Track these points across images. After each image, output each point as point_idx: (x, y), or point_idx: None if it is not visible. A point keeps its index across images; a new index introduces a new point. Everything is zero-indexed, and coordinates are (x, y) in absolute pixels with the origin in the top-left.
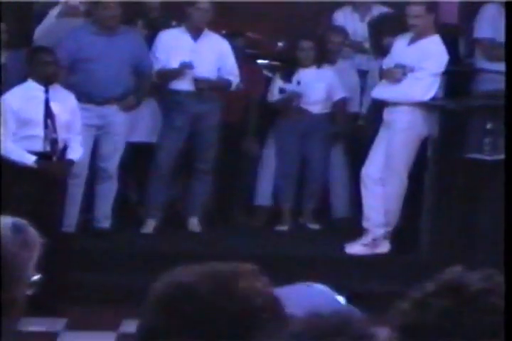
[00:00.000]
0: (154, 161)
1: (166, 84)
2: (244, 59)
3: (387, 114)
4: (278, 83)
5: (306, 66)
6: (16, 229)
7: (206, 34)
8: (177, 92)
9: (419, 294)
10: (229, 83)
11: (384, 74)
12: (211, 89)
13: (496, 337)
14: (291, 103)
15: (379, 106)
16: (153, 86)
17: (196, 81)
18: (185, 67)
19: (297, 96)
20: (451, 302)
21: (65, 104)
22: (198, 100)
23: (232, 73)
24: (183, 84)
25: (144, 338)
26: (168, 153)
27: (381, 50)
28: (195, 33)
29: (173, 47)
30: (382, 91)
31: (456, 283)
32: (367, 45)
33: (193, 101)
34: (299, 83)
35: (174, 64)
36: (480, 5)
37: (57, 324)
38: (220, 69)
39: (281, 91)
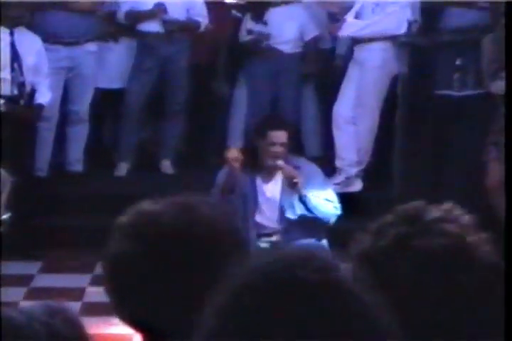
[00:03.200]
0: (124, 104)
1: (134, 26)
2: None
3: (359, 52)
4: (248, 23)
5: (275, 4)
6: None
7: None
8: (146, 34)
9: (375, 225)
10: (198, 24)
11: None
12: (180, 30)
13: (446, 260)
14: (260, 44)
15: (349, 44)
16: (121, 27)
17: (165, 22)
18: (159, 9)
19: (265, 37)
20: (405, 229)
21: (30, 46)
22: (167, 42)
23: (201, 14)
24: (152, 26)
25: (110, 265)
26: (138, 96)
27: None
28: None
29: None
30: (354, 27)
31: (413, 213)
32: None
33: (162, 43)
34: (265, 24)
35: (144, 5)
36: None
37: (31, 267)
38: (189, 10)
39: (249, 32)
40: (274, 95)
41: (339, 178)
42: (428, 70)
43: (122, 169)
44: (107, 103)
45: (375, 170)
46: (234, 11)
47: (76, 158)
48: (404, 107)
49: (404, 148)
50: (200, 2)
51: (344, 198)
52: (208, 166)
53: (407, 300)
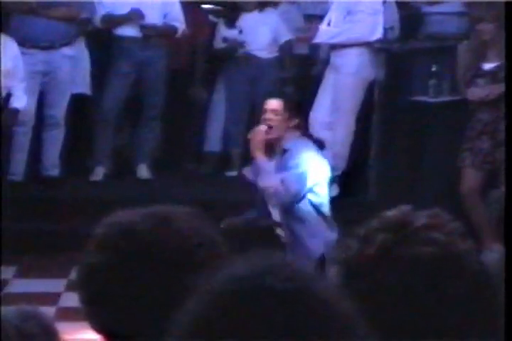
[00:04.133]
0: (100, 108)
1: (110, 31)
2: (189, 4)
3: (335, 58)
4: (222, 30)
5: (248, 10)
6: None
7: None
8: (122, 39)
9: (363, 230)
10: (175, 29)
11: None
12: (158, 35)
13: (432, 269)
14: (235, 51)
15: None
16: (97, 32)
17: (143, 28)
18: (135, 14)
19: (240, 44)
20: (392, 236)
21: (6, 50)
22: (144, 46)
23: (178, 19)
24: (129, 31)
25: (83, 276)
26: (115, 100)
27: None
28: None
29: None
30: (327, 34)
31: (400, 219)
32: None
33: (139, 48)
34: (240, 32)
35: (120, 9)
36: None
37: (7, 272)
38: (166, 16)
39: (224, 40)
40: (252, 100)
41: None
42: (404, 76)
43: (98, 174)
44: (83, 107)
45: (351, 176)
46: (211, 16)
47: (52, 162)
48: (380, 113)
49: (380, 153)
50: (177, 7)
51: None
52: (185, 171)
53: (393, 308)
